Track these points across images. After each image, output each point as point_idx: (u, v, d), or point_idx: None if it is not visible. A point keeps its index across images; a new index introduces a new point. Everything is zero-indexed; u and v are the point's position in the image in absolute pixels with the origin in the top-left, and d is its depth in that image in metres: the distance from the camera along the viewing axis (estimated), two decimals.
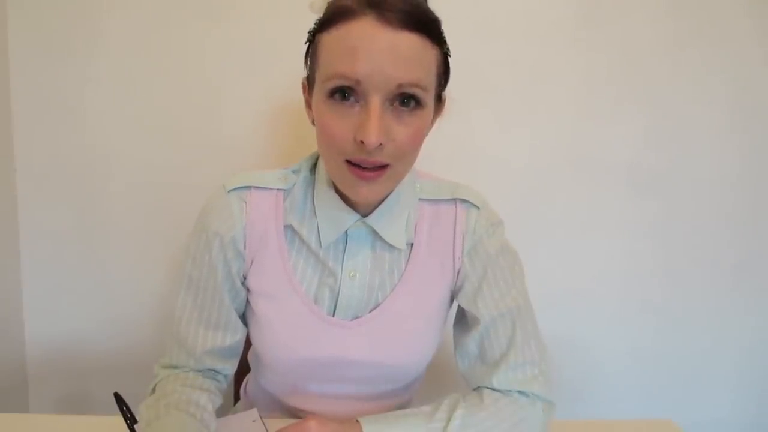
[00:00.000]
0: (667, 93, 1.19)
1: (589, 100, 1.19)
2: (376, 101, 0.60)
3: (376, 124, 0.59)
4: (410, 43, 0.60)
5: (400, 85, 0.60)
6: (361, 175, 0.63)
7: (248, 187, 0.74)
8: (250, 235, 0.73)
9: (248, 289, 0.76)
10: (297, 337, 0.73)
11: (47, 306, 1.25)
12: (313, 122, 0.68)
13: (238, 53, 1.14)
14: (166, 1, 1.13)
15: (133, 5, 1.13)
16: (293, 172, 0.76)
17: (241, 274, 0.75)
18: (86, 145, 1.18)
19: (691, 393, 1.33)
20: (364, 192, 0.65)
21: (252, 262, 0.74)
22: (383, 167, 0.63)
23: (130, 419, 0.67)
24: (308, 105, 0.70)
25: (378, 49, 0.59)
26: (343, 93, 0.61)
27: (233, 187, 0.73)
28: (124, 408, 0.64)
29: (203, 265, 0.73)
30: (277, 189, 0.74)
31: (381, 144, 0.60)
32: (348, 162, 0.63)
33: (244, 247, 0.73)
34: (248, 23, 1.13)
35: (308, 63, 0.68)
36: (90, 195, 1.20)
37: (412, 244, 0.76)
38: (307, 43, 0.68)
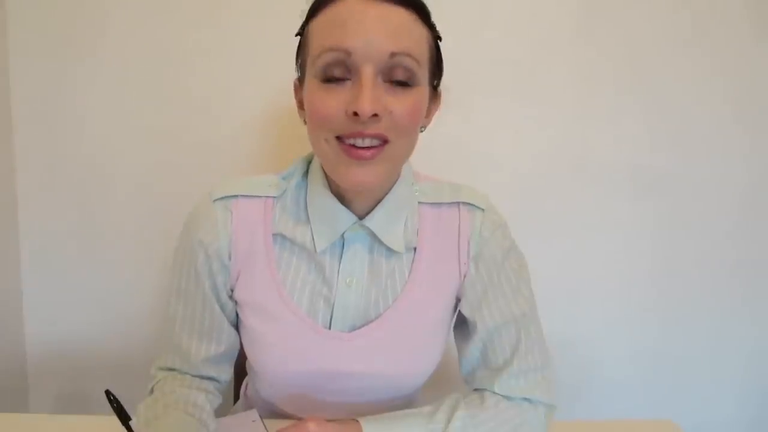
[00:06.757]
0: (669, 93, 1.19)
1: (590, 101, 1.19)
2: (368, 71, 0.58)
3: (369, 92, 0.57)
4: (400, 14, 0.60)
5: (392, 54, 0.58)
6: (356, 155, 0.60)
7: (234, 196, 0.71)
8: (235, 247, 0.70)
9: (236, 302, 0.74)
10: (290, 351, 0.71)
11: (47, 306, 1.25)
12: (305, 121, 0.66)
13: (238, 56, 1.14)
14: (165, 5, 1.13)
15: (132, 8, 1.13)
16: (283, 178, 0.73)
17: (228, 287, 0.73)
18: (86, 145, 1.18)
19: (691, 393, 1.33)
20: (358, 175, 0.61)
21: (239, 274, 0.72)
22: (380, 146, 0.61)
23: (123, 416, 0.66)
24: (300, 105, 0.69)
25: (368, 20, 0.58)
26: (335, 74, 0.59)
27: (218, 197, 0.71)
28: (115, 405, 0.63)
29: (190, 276, 0.72)
30: (266, 196, 0.72)
31: (376, 115, 0.58)
32: (341, 141, 0.60)
33: (229, 259, 0.71)
34: (247, 26, 1.13)
35: (299, 58, 0.67)
36: (90, 195, 1.20)
37: (414, 249, 0.73)
38: (298, 38, 0.67)
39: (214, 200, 0.71)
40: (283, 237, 0.71)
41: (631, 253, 1.26)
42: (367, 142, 0.60)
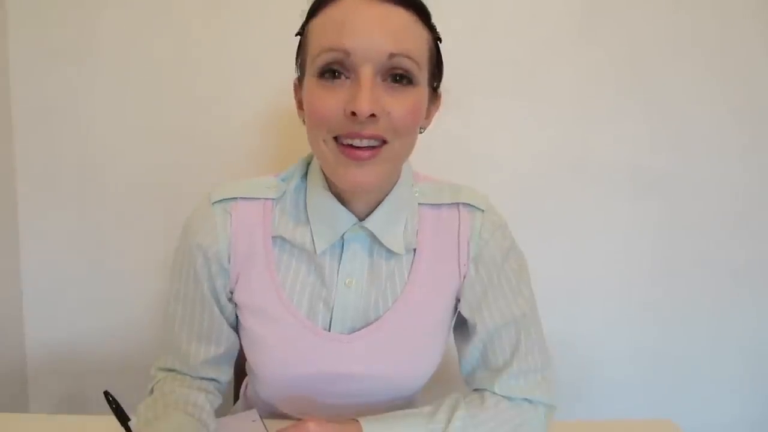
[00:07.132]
0: (669, 94, 1.19)
1: (590, 101, 1.19)
2: (366, 72, 0.58)
3: (368, 92, 0.57)
4: (399, 15, 0.59)
5: (391, 55, 0.58)
6: (354, 155, 0.60)
7: (234, 199, 0.71)
8: (234, 250, 0.70)
9: (236, 305, 0.74)
10: (290, 353, 0.70)
11: (47, 306, 1.25)
12: (304, 121, 0.66)
13: (238, 57, 1.14)
14: (164, 6, 1.13)
15: (132, 9, 1.13)
16: (282, 180, 0.73)
17: (227, 290, 0.73)
18: (86, 146, 1.18)
19: (691, 393, 1.33)
20: (356, 176, 0.61)
21: (238, 277, 0.71)
22: (378, 146, 0.60)
23: (122, 417, 0.66)
24: (299, 105, 0.68)
25: (367, 20, 0.58)
26: (333, 72, 0.59)
27: (217, 199, 0.70)
28: (114, 406, 0.63)
29: (189, 278, 0.71)
30: (266, 198, 0.71)
31: (374, 115, 0.58)
32: (338, 142, 0.60)
33: (229, 262, 0.71)
34: (247, 27, 1.13)
35: (299, 58, 0.67)
36: (89, 196, 1.20)
37: (414, 251, 0.72)
38: (298, 38, 0.67)
39: (213, 203, 0.71)
40: (283, 239, 0.71)
41: (631, 253, 1.26)
42: (365, 143, 0.60)
